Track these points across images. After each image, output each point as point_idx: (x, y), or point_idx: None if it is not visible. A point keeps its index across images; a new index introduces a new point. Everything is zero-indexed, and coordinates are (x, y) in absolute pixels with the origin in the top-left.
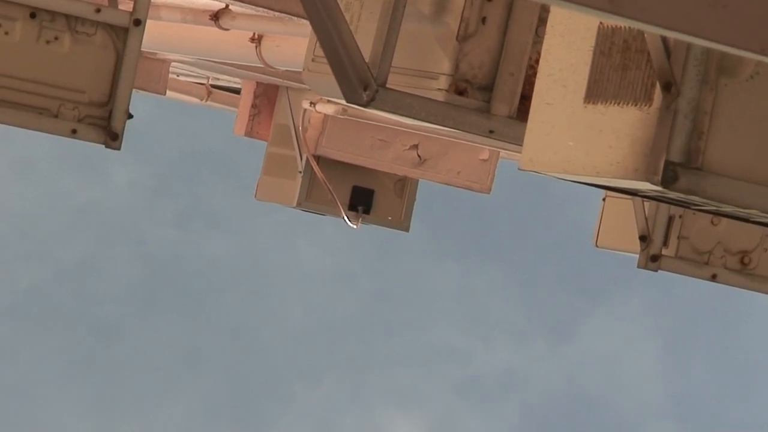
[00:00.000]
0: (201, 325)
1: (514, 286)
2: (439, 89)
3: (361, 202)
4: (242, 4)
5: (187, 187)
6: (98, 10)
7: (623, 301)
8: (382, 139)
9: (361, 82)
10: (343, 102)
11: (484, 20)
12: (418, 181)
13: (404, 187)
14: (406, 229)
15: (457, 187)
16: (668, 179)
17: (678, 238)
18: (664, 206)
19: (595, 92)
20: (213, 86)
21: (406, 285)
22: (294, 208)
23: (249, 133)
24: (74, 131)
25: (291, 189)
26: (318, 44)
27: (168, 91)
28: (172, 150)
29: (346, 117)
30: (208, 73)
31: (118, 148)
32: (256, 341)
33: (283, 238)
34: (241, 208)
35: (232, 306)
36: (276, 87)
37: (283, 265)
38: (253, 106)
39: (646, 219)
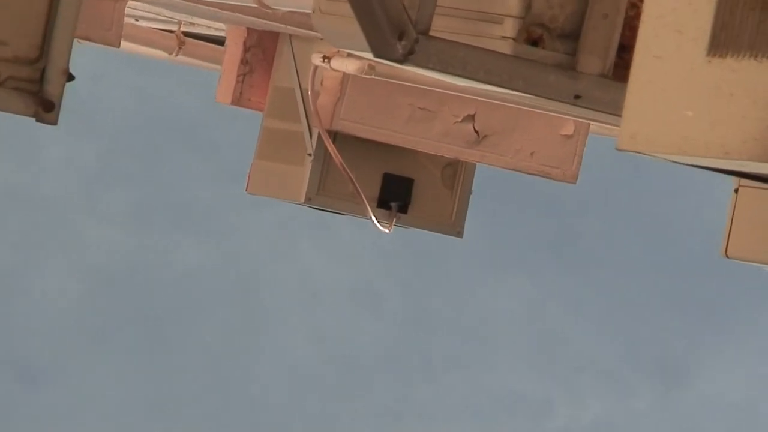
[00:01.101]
0: (166, 364)
1: (605, 310)
2: (504, 37)
3: (395, 195)
4: None
5: (147, 172)
6: None
7: (760, 329)
8: (424, 107)
9: (394, 29)
10: (370, 56)
11: None
12: (475, 166)
13: (455, 174)
14: (459, 234)
15: (530, 174)
16: None
17: None
18: None
19: (723, 41)
20: (186, 34)
21: (455, 309)
22: (301, 204)
23: (237, 101)
24: None
25: (297, 178)
26: None
27: (123, 42)
28: (127, 122)
29: (373, 77)
30: (179, 16)
31: (54, 122)
32: (244, 386)
33: (284, 246)
34: (225, 204)
35: (210, 338)
36: (275, 35)
37: (283, 282)
38: (243, 62)
39: None
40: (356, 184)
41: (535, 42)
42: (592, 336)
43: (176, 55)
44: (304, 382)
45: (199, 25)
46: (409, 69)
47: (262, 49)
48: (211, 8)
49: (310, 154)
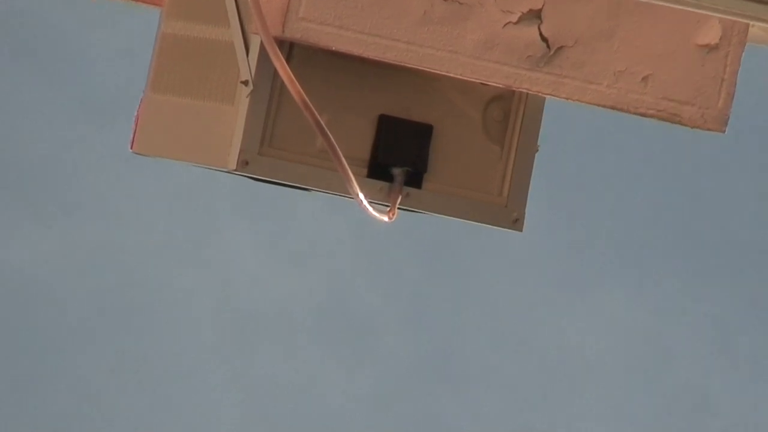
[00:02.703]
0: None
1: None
2: None
3: (399, 156)
4: None
5: None
6: None
7: None
8: None
9: None
10: None
11: None
12: (543, 103)
13: (507, 118)
14: (516, 224)
15: (642, 114)
16: None
17: None
18: None
19: None
20: None
21: (506, 338)
22: (231, 173)
23: None
24: None
25: (222, 127)
26: None
27: None
28: None
29: None
30: None
31: None
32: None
33: (193, 248)
34: (89, 171)
35: (81, 367)
36: None
37: (198, 294)
38: None
39: None
40: (329, 135)
41: None
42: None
43: None
44: None
45: None
46: None
47: None
48: None
49: (245, 83)
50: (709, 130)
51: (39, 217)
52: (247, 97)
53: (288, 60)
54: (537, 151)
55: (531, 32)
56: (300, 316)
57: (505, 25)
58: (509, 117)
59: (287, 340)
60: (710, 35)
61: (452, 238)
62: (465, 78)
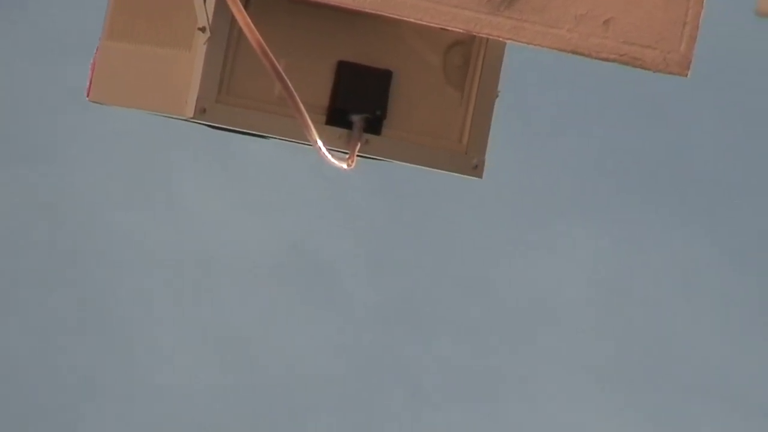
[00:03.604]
0: None
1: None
2: None
3: (358, 102)
4: None
5: None
6: None
7: None
8: None
9: None
10: None
11: None
12: (503, 47)
13: (468, 63)
14: (476, 171)
15: (603, 59)
16: None
17: None
18: None
19: None
20: None
21: (467, 305)
22: (189, 120)
23: None
24: None
25: (179, 73)
26: None
27: None
28: None
29: None
30: None
31: None
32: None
33: (155, 182)
34: (45, 112)
35: (37, 314)
36: None
37: (154, 240)
38: None
39: None
40: (287, 81)
41: None
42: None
43: None
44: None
45: None
46: None
47: None
48: None
49: (202, 29)
50: (671, 73)
51: None
52: (204, 43)
53: (246, 6)
54: (497, 96)
55: None
56: (260, 261)
57: None
58: (469, 62)
59: (247, 286)
60: None
61: (412, 180)
62: (425, 23)
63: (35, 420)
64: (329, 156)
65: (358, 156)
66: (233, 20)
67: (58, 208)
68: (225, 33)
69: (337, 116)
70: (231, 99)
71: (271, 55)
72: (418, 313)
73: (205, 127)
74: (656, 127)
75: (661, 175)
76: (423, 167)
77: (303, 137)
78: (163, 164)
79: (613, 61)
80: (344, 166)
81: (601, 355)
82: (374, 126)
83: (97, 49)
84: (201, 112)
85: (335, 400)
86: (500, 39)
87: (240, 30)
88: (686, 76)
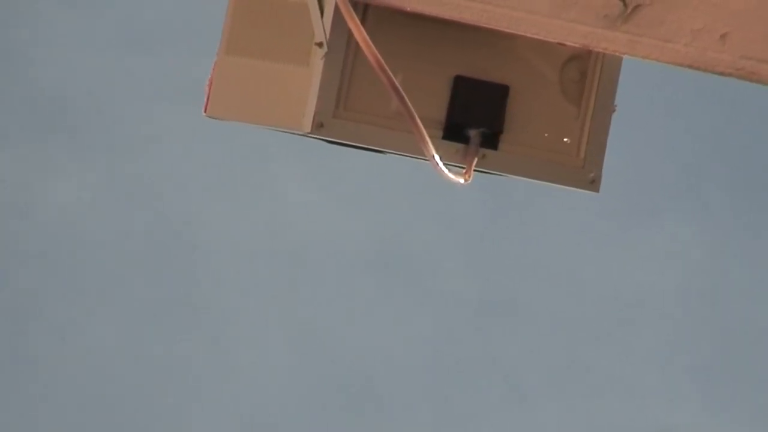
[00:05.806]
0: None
1: None
2: None
3: (475, 117)
4: None
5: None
6: None
7: None
8: None
9: None
10: None
11: None
12: (619, 62)
13: (584, 78)
14: (592, 185)
15: (720, 73)
16: None
17: None
18: None
19: None
20: None
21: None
22: (306, 135)
23: None
24: None
25: (297, 89)
26: None
27: None
28: None
29: None
30: None
31: None
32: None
33: (277, 200)
34: (136, 104)
35: (127, 306)
36: None
37: (250, 233)
38: None
39: None
40: (404, 96)
41: None
42: None
43: None
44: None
45: None
46: None
47: None
48: None
49: (319, 44)
50: None
51: (81, 155)
52: (321, 59)
53: (363, 21)
54: (614, 111)
55: None
56: (356, 256)
57: None
58: (586, 77)
59: (342, 280)
60: None
61: (533, 203)
62: (541, 38)
63: (126, 404)
64: (446, 170)
65: (474, 170)
66: (350, 35)
67: (162, 198)
68: (342, 48)
69: (453, 131)
70: (348, 114)
71: (388, 70)
72: (512, 309)
73: (322, 143)
74: (749, 132)
75: (756, 175)
76: (539, 182)
77: (419, 152)
78: (263, 157)
79: (730, 75)
80: (461, 180)
81: (700, 354)
82: (491, 140)
83: (214, 64)
84: (318, 127)
85: (430, 396)
86: (617, 53)
87: (357, 45)
88: None
